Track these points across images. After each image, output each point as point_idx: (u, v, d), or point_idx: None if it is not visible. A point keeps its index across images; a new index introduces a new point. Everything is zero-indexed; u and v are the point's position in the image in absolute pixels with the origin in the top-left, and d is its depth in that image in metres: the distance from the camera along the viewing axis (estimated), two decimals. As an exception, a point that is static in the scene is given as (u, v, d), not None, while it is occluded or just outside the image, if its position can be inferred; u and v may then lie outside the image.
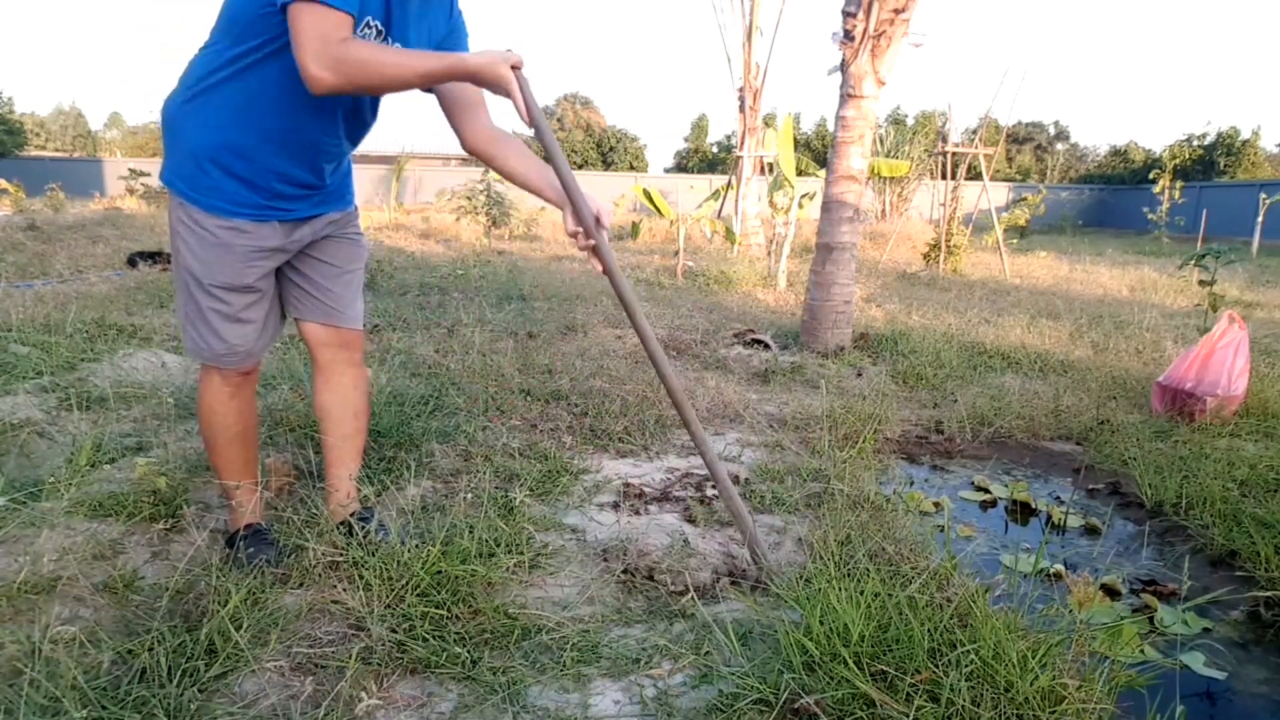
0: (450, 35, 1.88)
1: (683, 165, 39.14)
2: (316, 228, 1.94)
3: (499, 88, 1.66)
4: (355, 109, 1.85)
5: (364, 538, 1.90)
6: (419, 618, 1.67)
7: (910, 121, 28.71)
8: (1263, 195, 15.18)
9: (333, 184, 1.94)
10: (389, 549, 1.84)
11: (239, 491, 1.97)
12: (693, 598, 1.87)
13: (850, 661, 1.45)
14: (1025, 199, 15.82)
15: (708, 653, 1.62)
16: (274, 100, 1.69)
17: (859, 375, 4.17)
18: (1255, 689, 1.74)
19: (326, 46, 1.48)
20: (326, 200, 1.94)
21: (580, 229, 1.79)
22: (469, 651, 1.61)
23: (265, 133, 1.71)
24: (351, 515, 2.04)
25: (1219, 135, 29.56)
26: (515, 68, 1.65)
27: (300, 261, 1.96)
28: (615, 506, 2.42)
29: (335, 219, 1.99)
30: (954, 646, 1.47)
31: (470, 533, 1.96)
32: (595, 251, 1.82)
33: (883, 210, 17.10)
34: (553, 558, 2.05)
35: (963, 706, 1.36)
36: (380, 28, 1.68)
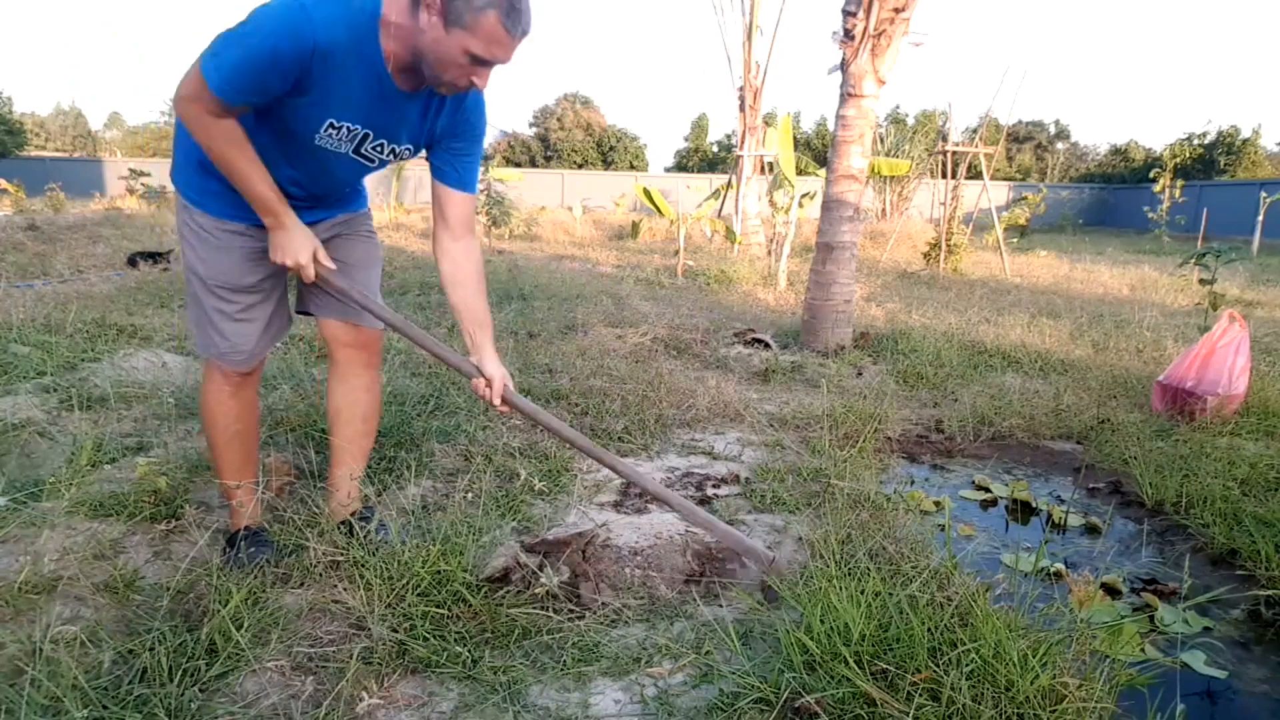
0: (451, 130, 1.84)
1: (683, 164, 39.12)
2: (321, 230, 1.93)
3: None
4: (357, 158, 1.81)
5: (364, 537, 1.90)
6: (419, 617, 1.67)
7: (910, 121, 28.70)
8: (1263, 194, 15.19)
9: (338, 195, 1.96)
10: (390, 549, 1.84)
11: (238, 491, 1.97)
12: (693, 597, 1.87)
13: (851, 660, 1.45)
14: (1025, 198, 15.84)
15: (708, 652, 1.63)
16: (262, 147, 1.69)
17: (859, 374, 4.17)
18: (1256, 688, 1.74)
19: (191, 103, 1.58)
20: (332, 208, 1.96)
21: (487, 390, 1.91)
22: (470, 651, 1.61)
23: (261, 153, 1.70)
24: (352, 515, 2.05)
25: (1219, 134, 29.54)
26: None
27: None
28: (616, 505, 2.42)
29: (343, 220, 1.99)
30: (954, 645, 1.47)
31: (470, 531, 1.96)
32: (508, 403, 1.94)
33: (883, 209, 17.09)
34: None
35: (963, 705, 1.36)
36: (359, 131, 1.72)
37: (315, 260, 1.78)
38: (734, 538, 2.00)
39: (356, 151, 1.77)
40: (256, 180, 1.67)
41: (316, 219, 1.91)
